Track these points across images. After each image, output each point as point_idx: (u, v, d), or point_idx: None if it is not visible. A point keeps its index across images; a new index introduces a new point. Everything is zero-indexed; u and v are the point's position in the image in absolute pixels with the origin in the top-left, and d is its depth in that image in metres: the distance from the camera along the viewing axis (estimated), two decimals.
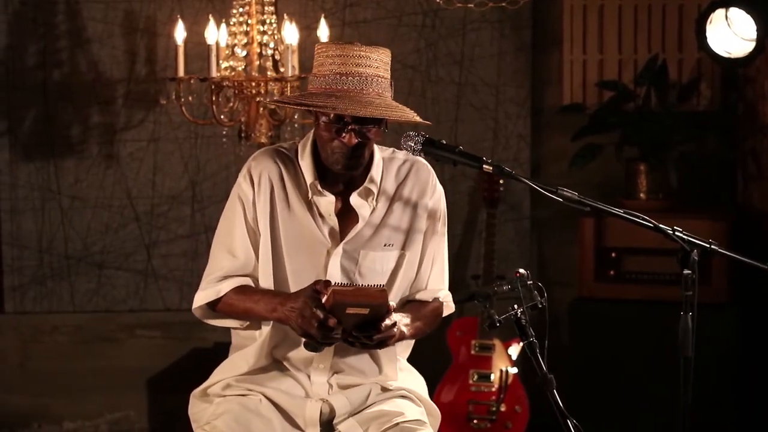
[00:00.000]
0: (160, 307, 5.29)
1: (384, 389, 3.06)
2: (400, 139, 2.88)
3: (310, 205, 2.94)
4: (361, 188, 2.93)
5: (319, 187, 2.91)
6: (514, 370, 4.94)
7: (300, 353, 2.95)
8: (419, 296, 3.06)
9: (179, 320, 5.30)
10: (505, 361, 4.96)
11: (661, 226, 2.81)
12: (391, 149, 3.05)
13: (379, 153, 3.00)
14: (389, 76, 2.87)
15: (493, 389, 4.93)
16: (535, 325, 2.72)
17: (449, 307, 3.13)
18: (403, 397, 3.07)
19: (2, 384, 5.28)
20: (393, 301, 2.83)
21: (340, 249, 2.92)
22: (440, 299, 3.07)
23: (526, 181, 2.81)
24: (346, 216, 2.95)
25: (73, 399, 5.33)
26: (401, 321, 2.88)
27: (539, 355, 2.60)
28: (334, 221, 2.94)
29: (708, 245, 2.83)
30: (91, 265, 5.26)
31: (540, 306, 2.64)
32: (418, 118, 2.85)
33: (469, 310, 5.17)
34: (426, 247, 3.04)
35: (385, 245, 2.95)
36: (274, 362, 3.03)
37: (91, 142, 5.20)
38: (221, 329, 5.21)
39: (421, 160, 3.01)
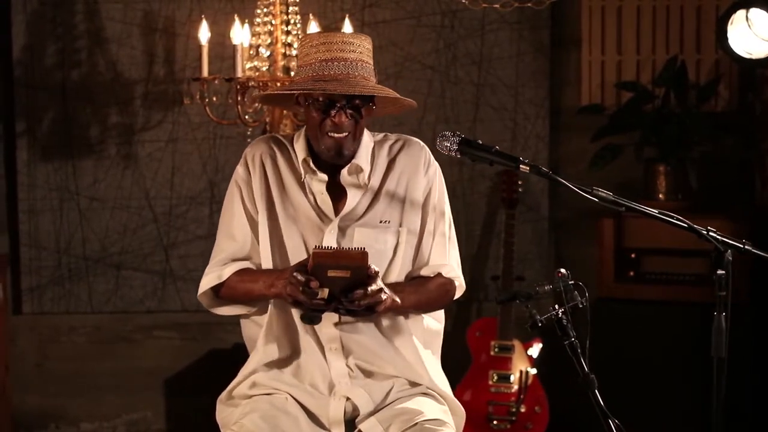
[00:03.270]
0: (178, 308, 5.29)
1: (412, 384, 3.05)
2: (435, 140, 2.90)
3: (303, 186, 3.00)
4: (350, 165, 2.98)
5: (311, 165, 2.97)
6: (533, 371, 4.94)
7: (315, 336, 2.97)
8: (422, 272, 3.06)
9: (197, 321, 5.30)
10: (524, 362, 4.96)
11: (695, 226, 2.80)
12: (384, 133, 3.11)
13: (371, 137, 3.05)
14: (372, 63, 2.94)
15: (513, 390, 4.93)
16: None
17: (461, 287, 3.13)
18: (425, 394, 3.06)
19: (20, 384, 5.26)
20: (376, 266, 2.82)
21: (334, 226, 2.96)
22: (444, 275, 3.07)
23: (563, 182, 2.80)
24: (341, 195, 3.00)
25: (91, 400, 5.33)
26: (394, 290, 2.90)
27: (581, 355, 2.58)
28: (325, 199, 2.98)
29: (742, 245, 2.82)
30: (109, 266, 5.26)
31: (581, 306, 2.63)
32: (402, 96, 2.95)
33: (488, 311, 5.19)
34: (425, 222, 3.05)
35: (380, 222, 2.99)
36: (293, 353, 3.02)
37: (109, 142, 5.20)
38: (238, 330, 5.24)
39: (414, 139, 3.07)
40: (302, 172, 2.99)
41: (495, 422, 4.90)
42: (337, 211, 2.99)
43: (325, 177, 2.98)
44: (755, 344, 4.66)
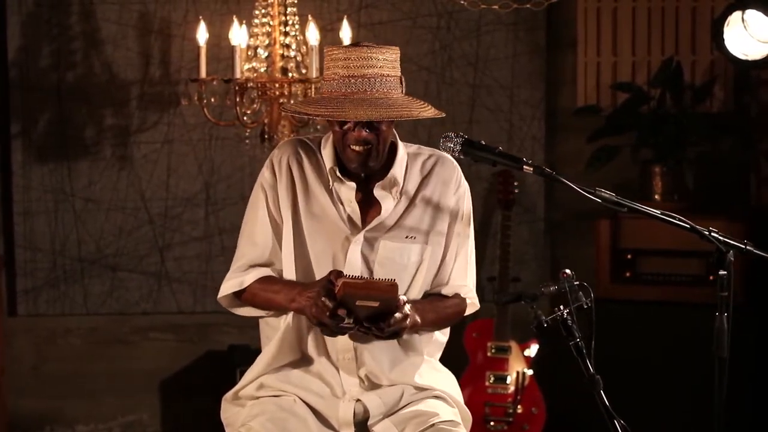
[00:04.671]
0: (174, 310, 5.28)
1: (418, 389, 3.05)
2: (439, 140, 2.89)
3: (331, 193, 2.97)
4: (384, 180, 2.95)
5: (338, 173, 2.94)
6: (530, 372, 4.94)
7: (325, 345, 2.97)
8: (442, 291, 3.06)
9: (193, 323, 5.30)
10: (521, 363, 4.97)
11: (697, 227, 2.80)
12: (417, 146, 3.07)
13: (404, 149, 3.02)
14: (398, 74, 2.90)
15: (510, 391, 4.93)
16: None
17: (474, 305, 3.14)
18: (436, 397, 3.07)
19: (15, 387, 5.24)
20: (404, 296, 2.83)
21: (360, 237, 2.94)
22: (462, 295, 3.08)
23: (566, 182, 2.81)
24: (369, 205, 2.98)
25: (86, 402, 5.32)
26: (416, 310, 2.89)
27: (586, 356, 2.58)
28: (354, 208, 2.95)
29: (743, 246, 2.82)
30: (105, 268, 5.24)
31: (585, 306, 2.63)
32: (424, 114, 2.88)
33: (485, 312, 5.17)
34: (449, 242, 3.04)
35: (406, 237, 2.97)
36: (303, 358, 3.02)
37: (104, 144, 5.19)
38: (234, 332, 5.24)
39: (447, 156, 3.01)
40: (330, 179, 2.96)
41: (492, 423, 4.91)
42: (364, 221, 2.96)
43: (353, 185, 2.94)
44: (753, 344, 4.66)
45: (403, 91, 2.92)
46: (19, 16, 5.11)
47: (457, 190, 3.03)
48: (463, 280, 3.08)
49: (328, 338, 2.94)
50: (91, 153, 5.19)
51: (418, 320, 2.90)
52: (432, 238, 3.00)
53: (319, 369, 2.99)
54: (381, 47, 2.87)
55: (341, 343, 2.96)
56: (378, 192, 2.95)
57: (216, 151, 5.20)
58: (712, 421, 2.76)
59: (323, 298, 2.75)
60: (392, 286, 2.73)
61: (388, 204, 2.96)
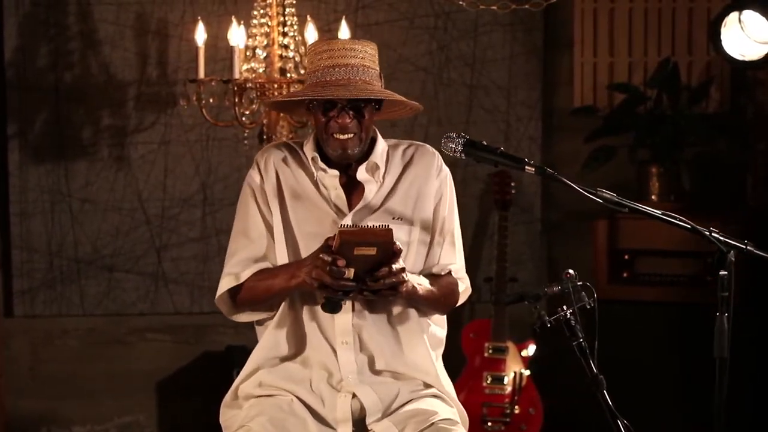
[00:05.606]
0: (171, 311, 5.27)
1: (416, 386, 3.05)
2: (440, 141, 2.91)
3: (316, 184, 3.04)
4: (366, 162, 3.01)
5: (320, 162, 3.01)
6: (527, 372, 4.95)
7: (323, 332, 2.98)
8: (432, 271, 3.09)
9: (190, 324, 5.30)
10: (518, 364, 4.97)
11: (698, 227, 2.80)
12: (396, 140, 3.15)
13: (384, 142, 3.09)
14: (377, 69, 3.00)
15: (507, 391, 4.94)
16: None
17: (467, 289, 3.17)
18: (435, 396, 3.08)
19: (12, 388, 5.23)
20: (398, 242, 2.84)
21: (348, 219, 2.98)
22: (453, 274, 3.11)
23: (568, 183, 2.81)
24: (354, 191, 3.04)
25: (83, 403, 5.31)
26: (413, 278, 2.92)
27: (589, 356, 2.59)
28: (339, 194, 3.02)
29: (744, 246, 2.82)
30: (102, 269, 5.23)
31: (588, 307, 2.64)
32: (409, 102, 3.03)
33: (482, 313, 5.19)
34: (435, 225, 3.08)
35: (393, 219, 3.02)
36: (301, 349, 3.03)
37: (101, 144, 5.18)
38: (231, 333, 5.22)
39: (426, 144, 3.12)
40: (313, 170, 3.02)
41: (489, 424, 4.91)
42: (350, 205, 3.02)
43: (336, 172, 3.01)
44: (753, 344, 4.67)
45: (382, 86, 3.01)
46: (16, 16, 5.10)
47: (438, 175, 3.09)
48: (451, 260, 3.12)
49: (326, 325, 2.97)
50: (88, 153, 5.18)
51: (416, 287, 2.92)
52: (418, 221, 3.05)
53: (317, 357, 3.00)
54: (360, 41, 3.00)
55: (341, 327, 2.98)
56: (361, 175, 3.02)
57: (213, 151, 5.20)
58: (712, 421, 2.75)
59: (321, 254, 2.79)
60: (388, 230, 2.77)
61: (372, 186, 3.03)
